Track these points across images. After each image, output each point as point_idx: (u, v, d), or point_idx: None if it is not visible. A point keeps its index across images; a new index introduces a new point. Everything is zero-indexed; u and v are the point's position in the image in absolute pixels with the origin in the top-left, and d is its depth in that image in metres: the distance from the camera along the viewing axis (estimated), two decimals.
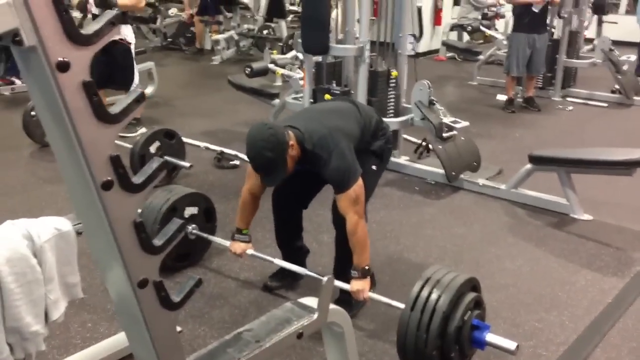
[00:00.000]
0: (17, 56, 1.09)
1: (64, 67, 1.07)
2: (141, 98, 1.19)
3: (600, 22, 9.65)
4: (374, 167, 2.89)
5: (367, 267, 2.67)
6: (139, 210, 3.18)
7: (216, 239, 3.24)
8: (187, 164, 4.46)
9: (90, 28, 1.10)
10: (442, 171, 4.66)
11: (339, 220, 2.74)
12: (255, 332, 1.70)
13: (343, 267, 2.81)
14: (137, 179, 1.22)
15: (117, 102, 1.20)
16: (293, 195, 2.98)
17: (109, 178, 1.18)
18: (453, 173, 4.59)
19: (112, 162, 1.17)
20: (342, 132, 2.69)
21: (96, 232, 1.25)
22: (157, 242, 1.29)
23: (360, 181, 2.62)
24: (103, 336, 2.75)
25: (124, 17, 5.34)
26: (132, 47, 5.44)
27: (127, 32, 5.37)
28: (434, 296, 2.33)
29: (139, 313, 1.31)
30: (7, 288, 2.01)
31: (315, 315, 1.79)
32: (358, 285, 2.66)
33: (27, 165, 5.02)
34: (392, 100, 5.03)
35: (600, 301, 3.14)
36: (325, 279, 1.79)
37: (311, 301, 1.83)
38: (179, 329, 2.81)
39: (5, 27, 1.02)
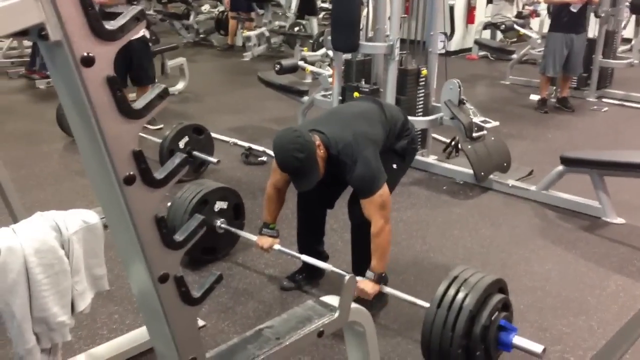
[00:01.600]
0: (43, 51, 1.10)
1: (88, 62, 1.08)
2: (164, 94, 1.19)
3: (638, 22, 9.43)
4: (394, 166, 2.88)
5: (383, 274, 2.68)
6: (169, 204, 3.24)
7: (244, 234, 3.27)
8: (214, 160, 4.49)
9: (115, 23, 1.10)
10: (471, 171, 4.60)
11: (356, 219, 2.75)
12: (275, 330, 1.70)
13: (361, 263, 2.80)
14: (159, 175, 1.23)
15: (141, 97, 1.21)
16: (318, 195, 2.97)
17: (132, 173, 1.18)
18: (482, 173, 4.54)
19: (135, 157, 1.18)
20: (367, 138, 2.67)
21: (118, 226, 1.26)
22: (178, 237, 1.30)
23: (386, 187, 2.61)
24: (129, 328, 2.79)
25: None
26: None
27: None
28: (460, 295, 2.31)
29: (159, 308, 1.32)
30: (35, 279, 2.05)
31: (337, 314, 1.78)
32: (367, 287, 2.65)
33: (60, 158, 5.11)
34: (422, 99, 4.99)
35: (631, 307, 3.06)
36: (347, 277, 1.78)
37: (333, 300, 1.83)
38: (202, 323, 2.84)
39: (31, 21, 1.03)
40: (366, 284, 2.67)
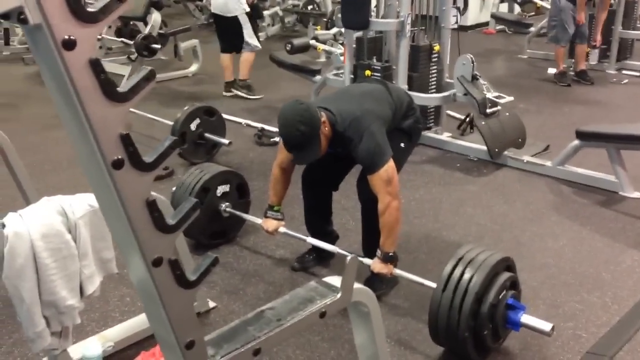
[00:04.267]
0: (25, 34, 1.09)
1: (70, 45, 1.06)
2: (151, 76, 1.17)
3: None
4: (402, 145, 2.87)
5: (391, 254, 2.66)
6: (173, 189, 3.24)
7: (249, 217, 3.27)
8: (226, 141, 4.49)
9: (96, 5, 1.09)
10: (485, 148, 4.54)
11: (365, 196, 2.75)
12: (277, 311, 1.69)
13: (371, 244, 2.80)
14: (148, 158, 1.21)
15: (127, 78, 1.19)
16: (322, 176, 2.96)
17: (120, 157, 1.17)
18: (496, 150, 4.48)
19: (123, 141, 1.16)
20: (374, 115, 2.67)
21: (110, 210, 1.25)
22: (171, 221, 1.28)
23: (392, 162, 2.60)
24: (141, 310, 2.81)
25: None
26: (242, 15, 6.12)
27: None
28: (466, 275, 2.29)
29: (154, 291, 1.31)
30: (42, 263, 2.07)
31: (339, 295, 1.76)
32: (378, 268, 2.68)
33: None
34: (435, 75, 4.93)
35: None
36: (349, 257, 1.76)
37: (336, 280, 1.81)
38: (213, 304, 2.85)
39: (9, 4, 1.01)
40: (376, 265, 2.68)
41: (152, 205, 1.25)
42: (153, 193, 1.47)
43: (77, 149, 1.23)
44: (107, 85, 1.13)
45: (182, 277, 1.34)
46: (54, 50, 1.06)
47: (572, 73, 7.07)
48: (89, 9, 1.08)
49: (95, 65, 1.10)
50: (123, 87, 1.16)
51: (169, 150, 1.26)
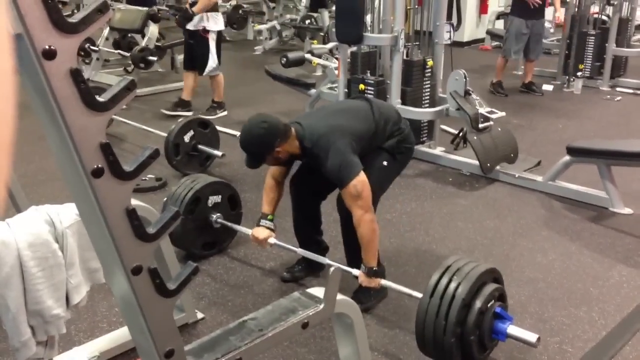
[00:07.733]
0: None
1: (50, 55, 1.08)
2: (131, 86, 1.19)
3: None
4: (385, 163, 2.88)
5: (375, 268, 2.68)
6: (165, 199, 3.25)
7: (240, 228, 3.27)
8: (219, 153, 4.51)
9: (77, 16, 1.11)
10: (477, 162, 4.56)
11: (342, 212, 2.81)
12: (259, 321, 1.70)
13: (352, 255, 2.83)
14: (128, 167, 1.23)
15: (110, 88, 1.21)
16: (310, 185, 2.99)
17: (99, 165, 1.19)
18: (488, 164, 4.50)
19: (103, 150, 1.18)
20: (342, 130, 2.70)
21: (90, 219, 1.26)
22: (151, 229, 1.30)
23: (361, 177, 2.61)
24: None
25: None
26: (213, 35, 5.92)
27: (210, 22, 5.85)
28: (453, 284, 2.30)
29: (134, 300, 1.32)
30: (29, 272, 2.08)
31: (322, 306, 1.78)
32: (365, 282, 2.72)
33: None
34: (428, 90, 4.95)
35: (634, 298, 3.02)
36: (331, 269, 1.77)
37: (319, 291, 1.82)
38: (201, 315, 2.85)
39: None
40: (362, 279, 2.72)
41: (132, 214, 1.27)
42: (136, 202, 1.49)
43: (58, 157, 1.24)
44: (87, 95, 1.15)
45: (162, 286, 1.36)
46: (34, 59, 1.08)
47: (523, 85, 7.34)
48: (70, 20, 1.10)
49: (76, 75, 1.12)
50: (103, 96, 1.18)
51: (148, 159, 1.28)
